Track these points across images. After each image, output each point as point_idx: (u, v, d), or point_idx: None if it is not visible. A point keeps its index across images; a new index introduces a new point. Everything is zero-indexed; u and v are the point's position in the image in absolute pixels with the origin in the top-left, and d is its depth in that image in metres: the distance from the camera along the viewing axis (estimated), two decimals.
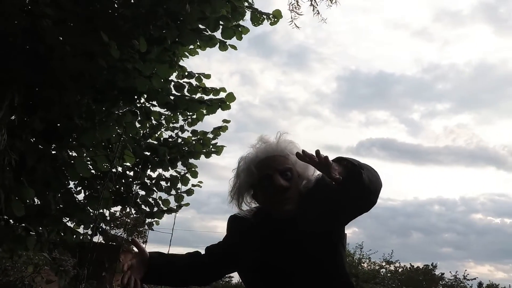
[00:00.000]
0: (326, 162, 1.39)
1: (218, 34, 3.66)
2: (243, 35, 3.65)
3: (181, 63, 4.15)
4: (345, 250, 1.78)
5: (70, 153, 3.93)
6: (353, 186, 1.45)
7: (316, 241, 1.58)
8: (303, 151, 1.41)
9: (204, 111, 4.19)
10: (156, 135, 5.05)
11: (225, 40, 3.69)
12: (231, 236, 1.81)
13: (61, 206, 4.21)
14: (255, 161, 1.69)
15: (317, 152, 1.39)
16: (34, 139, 3.64)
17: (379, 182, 1.57)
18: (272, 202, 1.67)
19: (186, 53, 4.22)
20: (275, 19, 3.48)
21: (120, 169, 4.69)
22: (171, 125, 5.02)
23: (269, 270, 1.61)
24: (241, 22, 3.61)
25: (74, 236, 4.47)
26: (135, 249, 1.63)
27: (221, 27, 3.55)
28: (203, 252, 1.83)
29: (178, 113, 4.70)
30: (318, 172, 1.70)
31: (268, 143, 1.73)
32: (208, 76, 4.21)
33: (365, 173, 1.46)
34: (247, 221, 1.72)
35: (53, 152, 3.83)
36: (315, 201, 1.63)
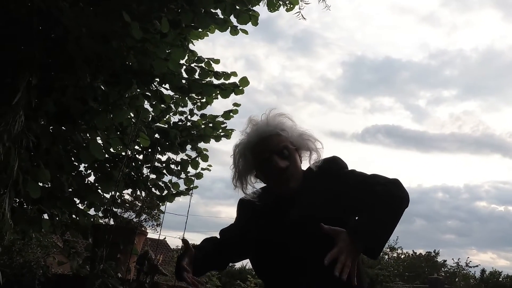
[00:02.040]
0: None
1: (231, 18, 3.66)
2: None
3: (190, 47, 4.16)
4: None
5: (83, 136, 3.96)
6: None
7: (323, 218, 1.54)
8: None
9: (216, 95, 4.20)
10: (165, 118, 5.07)
11: (236, 25, 3.69)
12: (241, 218, 1.81)
13: (73, 188, 4.27)
14: (249, 147, 1.67)
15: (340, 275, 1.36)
16: (48, 121, 3.67)
17: (401, 213, 1.53)
18: (275, 183, 1.67)
19: (196, 36, 4.23)
20: (291, 5, 3.46)
21: (129, 152, 4.73)
22: (179, 109, 5.03)
23: (275, 249, 1.60)
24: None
25: (86, 218, 4.54)
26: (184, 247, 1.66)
27: (234, 11, 3.54)
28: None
29: (186, 98, 4.72)
30: (319, 145, 1.70)
31: (258, 125, 1.69)
32: (217, 61, 4.22)
33: (384, 239, 1.45)
34: (255, 202, 1.72)
35: (66, 134, 3.87)
36: (325, 189, 1.62)
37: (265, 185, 1.75)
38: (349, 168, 1.70)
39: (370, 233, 1.43)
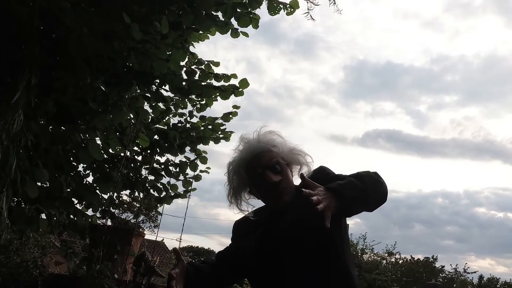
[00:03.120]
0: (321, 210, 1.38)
1: (231, 21, 3.66)
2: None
3: (191, 49, 4.17)
4: (348, 240, 1.78)
5: (82, 136, 3.95)
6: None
7: (312, 232, 1.58)
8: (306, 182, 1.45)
9: (216, 97, 4.20)
10: (164, 120, 5.08)
11: (237, 27, 3.70)
12: (237, 237, 1.87)
13: (71, 188, 4.27)
14: (242, 164, 1.73)
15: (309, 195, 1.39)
16: (47, 121, 3.66)
17: (380, 195, 1.59)
18: (269, 198, 1.73)
19: (197, 38, 4.23)
20: (292, 9, 3.48)
21: (128, 153, 4.73)
22: (179, 110, 5.03)
23: (268, 260, 1.63)
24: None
25: (84, 219, 4.53)
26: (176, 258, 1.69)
27: (235, 14, 3.55)
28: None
29: (186, 99, 4.73)
30: (309, 159, 1.75)
31: (250, 142, 1.75)
32: (217, 64, 4.22)
33: (360, 201, 1.50)
34: (250, 221, 1.77)
35: (65, 134, 3.86)
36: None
37: (261, 204, 1.80)
38: (336, 173, 1.74)
39: (345, 189, 1.47)
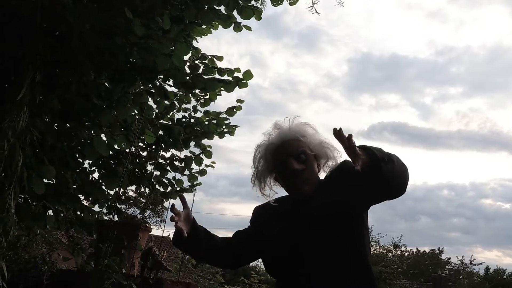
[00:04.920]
0: (353, 150, 1.38)
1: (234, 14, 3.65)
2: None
3: (194, 44, 4.16)
4: (368, 236, 1.76)
5: (88, 133, 3.97)
6: (372, 179, 1.45)
7: (332, 222, 1.59)
8: (339, 130, 1.40)
9: (221, 89, 4.19)
10: (169, 115, 5.09)
11: (239, 21, 3.69)
12: (254, 221, 1.88)
13: (78, 185, 4.29)
14: (270, 148, 1.76)
15: (350, 136, 1.38)
16: (52, 118, 3.68)
17: (403, 176, 1.55)
18: (290, 185, 1.74)
19: (199, 32, 4.22)
20: None
21: (133, 149, 4.74)
22: (183, 105, 5.04)
23: (286, 248, 1.64)
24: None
25: (90, 215, 4.56)
26: (182, 206, 1.73)
27: (237, 7, 3.53)
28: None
29: (190, 94, 4.73)
30: (337, 154, 1.74)
31: (281, 129, 1.77)
32: (220, 58, 4.22)
33: (388, 166, 1.44)
34: (270, 208, 1.78)
35: (70, 131, 3.87)
36: (336, 184, 1.65)
37: (285, 193, 1.81)
38: None
39: (376, 150, 1.45)
